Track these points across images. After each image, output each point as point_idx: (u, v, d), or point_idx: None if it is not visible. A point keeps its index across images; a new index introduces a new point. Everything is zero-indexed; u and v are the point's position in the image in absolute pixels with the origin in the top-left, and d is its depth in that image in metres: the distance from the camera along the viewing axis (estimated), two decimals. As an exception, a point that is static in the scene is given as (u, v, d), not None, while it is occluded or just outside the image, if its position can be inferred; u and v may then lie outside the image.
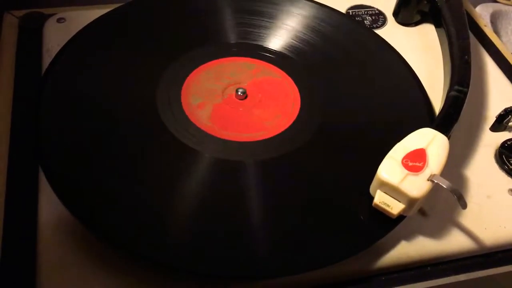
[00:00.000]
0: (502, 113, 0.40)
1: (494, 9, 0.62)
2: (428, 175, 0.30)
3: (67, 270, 0.30)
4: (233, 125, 0.37)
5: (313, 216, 0.32)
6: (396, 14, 0.50)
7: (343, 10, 0.50)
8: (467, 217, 0.35)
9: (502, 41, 0.51)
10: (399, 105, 0.39)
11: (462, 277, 0.34)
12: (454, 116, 0.35)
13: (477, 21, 0.51)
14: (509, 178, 0.38)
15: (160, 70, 0.39)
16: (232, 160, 0.35)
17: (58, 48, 0.39)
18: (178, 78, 0.39)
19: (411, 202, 0.30)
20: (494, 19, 0.61)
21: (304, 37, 0.43)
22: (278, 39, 0.43)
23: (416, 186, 0.30)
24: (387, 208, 0.31)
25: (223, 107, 0.38)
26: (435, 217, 0.35)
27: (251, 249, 0.30)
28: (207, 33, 0.43)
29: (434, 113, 0.39)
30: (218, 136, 0.36)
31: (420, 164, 0.31)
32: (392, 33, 0.48)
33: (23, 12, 0.45)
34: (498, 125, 0.41)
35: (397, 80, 0.41)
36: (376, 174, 0.31)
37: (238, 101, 0.39)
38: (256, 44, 0.42)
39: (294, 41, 0.43)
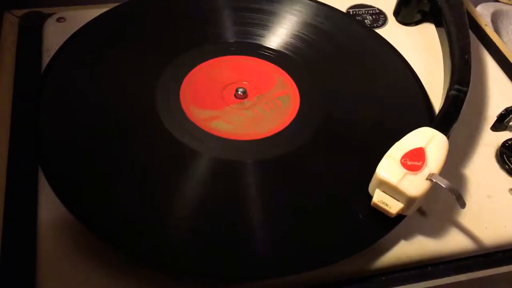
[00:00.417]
0: (503, 112, 0.40)
1: (495, 9, 0.62)
2: (427, 175, 0.30)
3: (67, 270, 0.30)
4: (232, 124, 0.37)
5: (313, 215, 0.32)
6: (396, 13, 0.50)
7: (344, 10, 0.49)
8: (468, 217, 0.35)
9: (503, 40, 0.51)
10: (399, 104, 0.39)
11: (462, 277, 0.34)
12: (454, 115, 0.35)
13: (478, 21, 0.51)
14: (509, 178, 0.38)
15: (159, 69, 0.39)
16: (232, 160, 0.35)
17: (58, 48, 0.39)
18: (177, 77, 0.39)
19: (409, 202, 0.30)
20: (495, 19, 0.61)
21: (304, 36, 0.43)
22: (278, 38, 0.43)
23: (415, 185, 0.30)
24: (385, 208, 0.31)
25: (222, 105, 0.38)
26: (435, 216, 0.35)
27: (251, 249, 0.30)
28: (206, 32, 0.43)
29: (433, 112, 0.39)
30: (218, 135, 0.36)
31: (419, 164, 0.31)
32: (393, 32, 0.48)
33: (23, 11, 0.45)
34: (499, 124, 0.40)
35: (397, 79, 0.41)
36: (375, 173, 0.31)
37: (238, 100, 0.39)
38: (256, 43, 0.42)
39: (294, 40, 0.43)
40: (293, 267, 0.30)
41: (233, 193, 0.33)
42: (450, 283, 0.33)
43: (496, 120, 0.40)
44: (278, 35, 0.43)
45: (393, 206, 0.31)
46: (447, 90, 0.37)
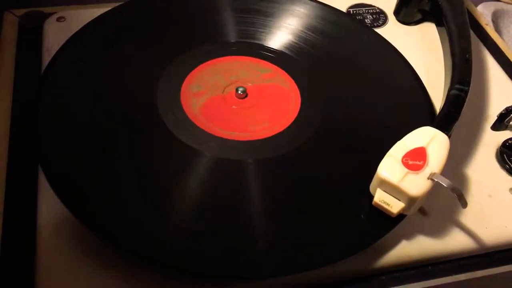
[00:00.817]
0: (503, 112, 0.40)
1: (496, 8, 0.62)
2: (428, 174, 0.30)
3: (67, 270, 0.30)
4: (232, 124, 0.37)
5: (313, 215, 0.32)
6: (397, 12, 0.50)
7: (344, 9, 0.49)
8: (468, 217, 0.35)
9: (503, 39, 0.51)
10: (400, 103, 0.39)
11: (463, 276, 0.34)
12: (455, 114, 0.35)
13: (479, 20, 0.51)
14: (510, 177, 0.38)
15: (160, 69, 0.39)
16: (232, 160, 0.34)
17: (58, 47, 0.39)
18: (178, 77, 0.39)
19: (411, 201, 0.30)
20: (496, 18, 0.61)
21: (304, 36, 0.43)
22: (278, 38, 0.43)
23: (416, 184, 0.30)
24: (386, 207, 0.31)
25: (223, 105, 0.38)
26: (436, 216, 0.35)
27: (251, 249, 0.30)
28: (206, 32, 0.43)
29: (434, 111, 0.39)
30: (218, 135, 0.36)
31: (420, 163, 0.30)
32: (393, 32, 0.48)
33: (23, 11, 0.46)
34: (499, 124, 0.40)
35: (398, 79, 0.41)
36: (376, 172, 0.31)
37: (238, 100, 0.39)
38: (257, 43, 0.42)
39: (294, 40, 0.43)
40: (293, 266, 0.30)
41: (234, 192, 0.33)
42: (451, 283, 0.33)
43: (497, 119, 0.40)
44: (279, 35, 0.43)
45: (394, 206, 0.31)
46: (448, 90, 0.37)
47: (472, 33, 0.46)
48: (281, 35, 0.43)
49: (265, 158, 0.35)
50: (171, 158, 0.34)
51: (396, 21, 0.49)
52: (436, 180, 0.30)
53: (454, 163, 0.38)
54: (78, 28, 0.41)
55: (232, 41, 0.42)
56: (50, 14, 0.45)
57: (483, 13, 0.61)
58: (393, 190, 0.30)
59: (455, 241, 0.34)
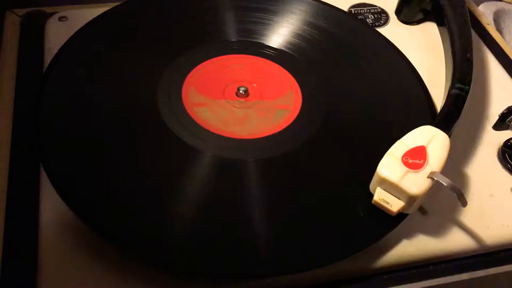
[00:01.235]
0: (504, 111, 0.40)
1: (497, 8, 0.62)
2: (428, 173, 0.30)
3: (68, 268, 0.30)
4: (233, 124, 0.37)
5: (314, 214, 0.32)
6: (398, 12, 0.49)
7: (346, 9, 0.49)
8: (470, 216, 0.35)
9: (505, 39, 0.50)
10: (400, 102, 0.39)
11: (464, 276, 0.34)
12: (455, 114, 0.35)
13: (480, 20, 0.51)
14: (511, 177, 0.38)
15: (161, 68, 0.39)
16: (233, 159, 0.34)
17: (60, 46, 0.40)
18: (179, 76, 0.39)
19: (410, 200, 0.30)
20: (497, 18, 0.61)
21: (306, 35, 0.43)
22: (279, 37, 0.43)
23: (416, 183, 0.30)
24: (386, 206, 0.31)
25: (224, 104, 0.38)
26: (437, 215, 0.35)
27: (250, 248, 0.30)
28: (207, 31, 0.43)
29: (435, 111, 0.39)
30: (219, 134, 0.36)
31: (420, 162, 0.30)
32: (395, 31, 0.48)
33: (25, 10, 0.46)
34: (501, 123, 0.40)
35: (399, 78, 0.41)
36: (376, 171, 0.31)
37: (239, 99, 0.39)
38: (258, 42, 0.42)
39: (296, 39, 0.43)
40: (293, 266, 0.30)
41: (234, 191, 0.33)
42: (452, 282, 0.33)
43: (498, 119, 0.40)
44: (280, 34, 0.43)
45: (394, 205, 0.31)
46: (449, 89, 0.37)
47: (473, 32, 0.46)
48: (283, 34, 0.43)
49: (265, 157, 0.35)
50: (172, 157, 0.34)
51: (398, 20, 0.49)
52: (436, 179, 0.30)
53: (455, 163, 0.38)
54: (80, 27, 0.41)
55: (233, 40, 0.42)
56: (52, 14, 0.45)
57: (485, 12, 0.61)
58: (393, 188, 0.30)
59: (456, 241, 0.34)
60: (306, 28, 0.43)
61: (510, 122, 0.40)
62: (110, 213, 0.31)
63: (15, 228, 0.32)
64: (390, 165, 0.31)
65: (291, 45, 0.42)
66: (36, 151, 0.35)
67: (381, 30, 0.47)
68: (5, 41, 0.43)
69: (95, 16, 0.42)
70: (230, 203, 0.32)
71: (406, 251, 0.33)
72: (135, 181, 0.33)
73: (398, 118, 0.38)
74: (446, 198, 0.34)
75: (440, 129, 0.32)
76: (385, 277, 0.33)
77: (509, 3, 0.64)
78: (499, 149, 0.39)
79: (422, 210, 0.35)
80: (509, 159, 0.38)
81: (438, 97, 0.40)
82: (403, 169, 0.30)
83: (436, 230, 0.34)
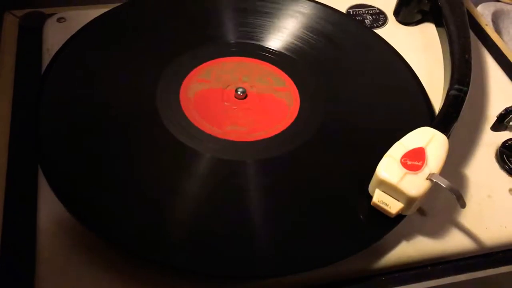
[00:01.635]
0: (503, 112, 0.40)
1: (496, 8, 0.62)
2: (427, 174, 0.30)
3: (66, 269, 0.30)
4: (232, 125, 0.37)
5: (313, 215, 0.32)
6: (396, 13, 0.50)
7: (344, 10, 0.49)
8: (468, 217, 0.35)
9: (503, 40, 0.51)
10: (399, 104, 0.39)
11: (462, 277, 0.34)
12: (454, 115, 0.35)
13: (479, 20, 0.51)
14: (510, 178, 0.38)
15: (160, 69, 0.39)
16: (232, 160, 0.34)
17: (58, 48, 0.39)
18: (177, 78, 0.39)
19: (409, 201, 0.30)
20: (496, 18, 0.61)
21: (304, 36, 0.43)
22: (278, 39, 0.43)
23: (415, 185, 0.30)
24: (385, 207, 0.31)
25: (223, 106, 0.38)
26: (435, 216, 0.35)
27: (251, 249, 0.30)
28: (206, 32, 0.43)
29: (434, 112, 0.39)
30: (218, 136, 0.36)
31: (419, 163, 0.30)
32: (393, 32, 0.48)
33: (23, 11, 0.46)
34: (499, 124, 0.40)
35: (397, 79, 0.41)
36: (375, 173, 0.31)
37: (238, 101, 0.39)
38: (256, 44, 0.42)
39: (294, 41, 0.43)
40: (293, 267, 0.30)
41: (233, 193, 0.33)
42: (450, 283, 0.33)
43: (496, 120, 0.40)
44: (278, 36, 0.43)
45: (393, 206, 0.31)
46: (447, 90, 0.37)
47: (472, 33, 0.46)
48: (281, 35, 0.43)
49: (265, 158, 0.35)
50: (170, 158, 0.34)
51: (396, 21, 0.49)
52: (434, 180, 0.30)
53: (454, 164, 0.38)
54: (78, 28, 0.41)
55: (232, 42, 0.42)
56: (50, 15, 0.45)
57: (483, 13, 0.61)
58: (392, 190, 0.30)
59: (454, 242, 0.34)
60: (304, 29, 0.43)
61: (508, 123, 0.40)
62: (108, 214, 0.31)
63: (13, 229, 0.32)
64: (389, 167, 0.31)
65: (290, 47, 0.42)
66: (34, 152, 0.35)
67: (379, 31, 0.47)
68: (4, 42, 0.43)
69: (94, 17, 0.42)
70: (229, 204, 0.32)
71: (405, 252, 0.33)
72: (133, 182, 0.33)
73: (397, 119, 0.38)
74: (444, 199, 0.35)
75: (439, 131, 0.32)
76: (384, 278, 0.33)
77: (508, 3, 0.64)
78: (497, 150, 0.39)
79: (421, 211, 0.35)
80: (507, 160, 0.38)
81: (437, 99, 0.40)
82: (402, 171, 0.30)
83: (435, 231, 0.34)
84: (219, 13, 0.44)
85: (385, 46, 0.43)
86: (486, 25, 0.51)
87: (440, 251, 0.33)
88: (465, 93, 0.36)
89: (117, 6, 0.44)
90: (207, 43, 0.42)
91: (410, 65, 0.42)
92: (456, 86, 0.37)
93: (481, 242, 0.34)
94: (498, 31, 0.61)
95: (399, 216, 0.32)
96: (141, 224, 0.31)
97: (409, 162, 0.31)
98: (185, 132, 0.35)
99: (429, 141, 0.32)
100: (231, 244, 0.30)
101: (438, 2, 0.46)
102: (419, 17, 0.49)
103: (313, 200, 0.33)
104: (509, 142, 0.39)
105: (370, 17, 0.49)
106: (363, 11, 0.50)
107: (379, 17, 0.50)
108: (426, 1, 0.47)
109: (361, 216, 0.32)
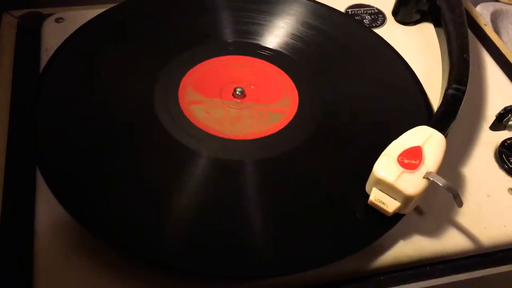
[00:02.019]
0: (501, 112, 0.40)
1: (494, 8, 0.62)
2: (424, 173, 0.30)
3: (64, 269, 0.30)
4: (230, 125, 0.37)
5: (312, 215, 0.32)
6: (395, 13, 0.50)
7: (342, 9, 0.49)
8: (467, 216, 0.35)
9: (502, 40, 0.50)
10: (397, 103, 0.39)
11: (461, 276, 0.34)
12: (452, 114, 0.35)
13: (477, 20, 0.51)
14: (509, 177, 0.38)
15: (158, 69, 0.39)
16: (231, 160, 0.34)
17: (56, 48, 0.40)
18: (176, 77, 0.39)
19: (406, 200, 0.30)
20: (495, 18, 0.61)
21: (303, 36, 0.43)
22: (276, 38, 0.43)
23: (412, 183, 0.30)
24: (382, 206, 0.31)
25: (220, 105, 0.38)
26: (434, 216, 0.35)
27: (250, 249, 0.30)
28: (204, 32, 0.43)
29: (432, 111, 0.39)
30: (217, 135, 0.36)
31: (416, 162, 0.30)
32: (392, 32, 0.48)
33: (21, 12, 0.46)
34: (498, 124, 0.40)
35: (395, 78, 0.41)
36: (372, 171, 0.31)
37: (236, 100, 0.39)
38: (254, 43, 0.42)
39: (292, 40, 0.43)
40: (291, 267, 0.30)
41: (232, 193, 0.33)
42: (449, 283, 0.33)
43: (495, 119, 0.40)
44: (277, 35, 0.43)
45: (390, 205, 0.31)
46: (445, 89, 0.37)
47: (470, 33, 0.46)
48: (279, 34, 0.43)
49: (263, 158, 0.35)
50: (169, 158, 0.34)
51: (395, 21, 0.49)
52: (431, 179, 0.30)
53: (453, 163, 0.38)
54: (76, 28, 0.41)
55: (229, 41, 0.42)
56: (49, 15, 0.45)
57: (482, 13, 0.61)
58: (389, 189, 0.30)
59: (453, 241, 0.34)
60: (303, 29, 0.43)
61: (507, 123, 0.40)
62: (107, 214, 0.31)
63: (11, 230, 0.32)
64: (386, 166, 0.31)
65: (288, 46, 0.42)
66: (32, 152, 0.35)
67: (378, 31, 0.47)
68: (2, 43, 0.43)
69: (92, 17, 0.42)
70: (227, 204, 0.32)
71: (404, 251, 0.33)
72: (132, 183, 0.33)
73: (395, 118, 0.38)
74: (443, 198, 0.34)
75: (437, 130, 0.32)
76: (382, 277, 0.33)
77: (507, 3, 0.64)
78: (496, 150, 0.39)
79: (419, 210, 0.35)
80: (506, 159, 0.38)
81: (435, 98, 0.40)
82: (399, 170, 0.30)
83: (433, 230, 0.34)
84: (216, 12, 0.44)
85: (383, 46, 0.43)
86: (485, 25, 0.51)
87: (439, 250, 0.33)
88: (463, 92, 0.36)
89: (115, 6, 0.44)
90: (204, 42, 0.42)
91: (409, 64, 0.42)
92: (454, 86, 0.37)
93: (480, 242, 0.34)
94: (497, 31, 0.61)
95: (398, 216, 0.32)
96: (139, 224, 0.31)
97: (406, 161, 0.30)
98: (184, 132, 0.35)
99: (427, 140, 0.32)
100: (229, 244, 0.30)
101: (436, 2, 0.46)
102: (417, 17, 0.49)
103: (312, 200, 0.33)
104: (508, 142, 0.39)
105: (369, 17, 0.49)
106: (362, 11, 0.50)
107: (378, 17, 0.49)
108: (425, 1, 0.47)
109: (360, 216, 0.32)
